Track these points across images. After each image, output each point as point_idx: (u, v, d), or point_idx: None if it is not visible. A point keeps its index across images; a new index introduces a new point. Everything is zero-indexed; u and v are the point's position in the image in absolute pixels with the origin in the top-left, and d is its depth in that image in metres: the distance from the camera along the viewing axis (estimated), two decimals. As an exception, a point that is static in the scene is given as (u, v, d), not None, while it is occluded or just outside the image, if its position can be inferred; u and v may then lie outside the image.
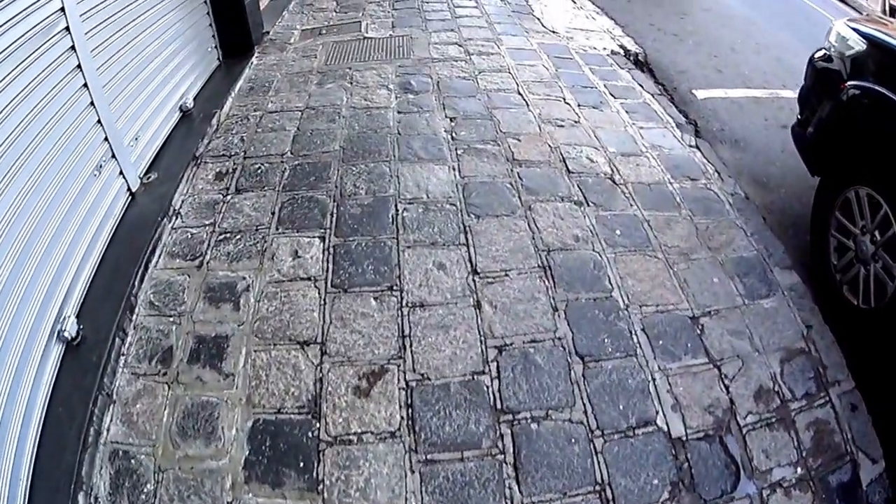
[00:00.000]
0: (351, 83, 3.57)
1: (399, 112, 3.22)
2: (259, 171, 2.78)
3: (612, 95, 3.60)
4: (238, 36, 4.08)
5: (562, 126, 3.17)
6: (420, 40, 4.21)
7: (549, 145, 2.97)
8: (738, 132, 3.53)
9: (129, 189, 2.52)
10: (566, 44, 4.37)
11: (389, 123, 3.10)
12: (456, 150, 2.89)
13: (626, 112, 3.40)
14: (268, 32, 4.50)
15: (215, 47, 3.97)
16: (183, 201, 2.61)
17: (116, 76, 2.52)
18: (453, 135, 3.01)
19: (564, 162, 2.85)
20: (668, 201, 2.62)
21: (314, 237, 2.35)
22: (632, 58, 4.34)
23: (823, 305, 2.18)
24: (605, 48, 4.41)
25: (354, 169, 2.75)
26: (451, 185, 2.62)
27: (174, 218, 2.51)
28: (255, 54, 4.11)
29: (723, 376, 1.86)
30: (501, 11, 5.04)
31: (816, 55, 2.68)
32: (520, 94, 3.46)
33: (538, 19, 4.95)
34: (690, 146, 3.11)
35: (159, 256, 2.30)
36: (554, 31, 4.65)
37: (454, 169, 2.76)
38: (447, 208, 2.48)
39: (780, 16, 6.39)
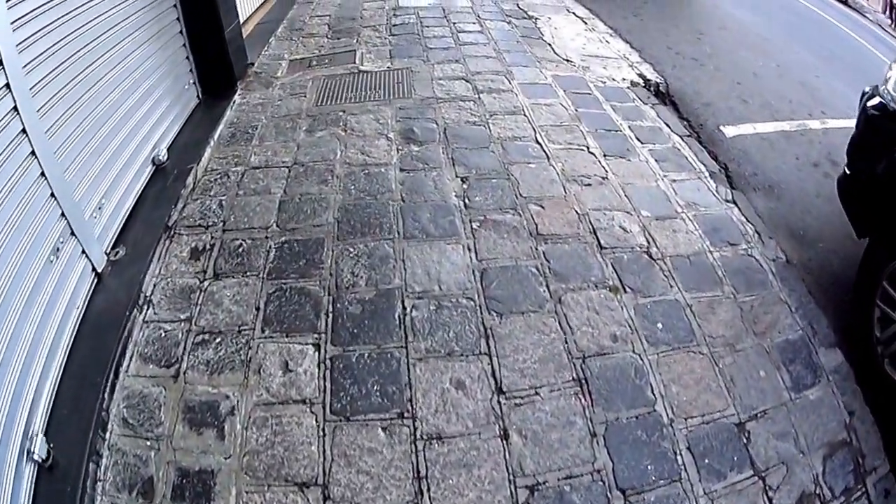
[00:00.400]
0: (345, 130, 3.22)
1: (402, 170, 2.88)
2: (240, 249, 2.42)
3: (638, 140, 3.28)
4: (219, 70, 3.72)
5: (589, 184, 2.84)
6: (422, 74, 3.87)
7: (577, 211, 2.64)
8: (770, 175, 3.26)
9: (94, 269, 2.21)
10: (583, 75, 4.05)
11: (391, 186, 2.76)
12: (470, 221, 2.55)
13: (656, 160, 3.09)
14: (252, 64, 4.14)
15: (194, 83, 3.61)
16: (155, 285, 2.26)
17: (72, 136, 2.16)
18: (466, 200, 2.67)
19: (595, 234, 2.52)
20: (710, 277, 2.35)
21: (307, 344, 2.00)
22: (653, 88, 4.05)
23: (863, 380, 2.08)
24: (624, 79, 4.10)
25: (352, 250, 2.40)
26: (467, 272, 2.27)
27: (145, 308, 2.16)
28: (238, 91, 3.75)
29: (767, 488, 1.72)
30: (509, 36, 4.71)
31: (869, 103, 2.37)
32: (538, 142, 3.14)
33: (549, 45, 4.62)
34: (727, 201, 2.83)
35: (131, 359, 1.97)
36: (568, 60, 4.33)
37: (469, 248, 2.41)
38: (463, 304, 2.14)
39: (793, 30, 6.26)
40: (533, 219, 2.58)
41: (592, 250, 2.44)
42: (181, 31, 3.45)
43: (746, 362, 2.04)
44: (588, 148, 3.14)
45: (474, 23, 4.98)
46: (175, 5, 3.33)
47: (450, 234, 2.48)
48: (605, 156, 3.09)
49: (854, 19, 7.83)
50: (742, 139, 3.62)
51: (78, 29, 2.27)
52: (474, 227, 2.53)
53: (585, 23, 5.38)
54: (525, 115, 3.39)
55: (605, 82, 4.00)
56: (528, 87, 3.76)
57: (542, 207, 2.66)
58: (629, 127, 3.41)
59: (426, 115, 3.34)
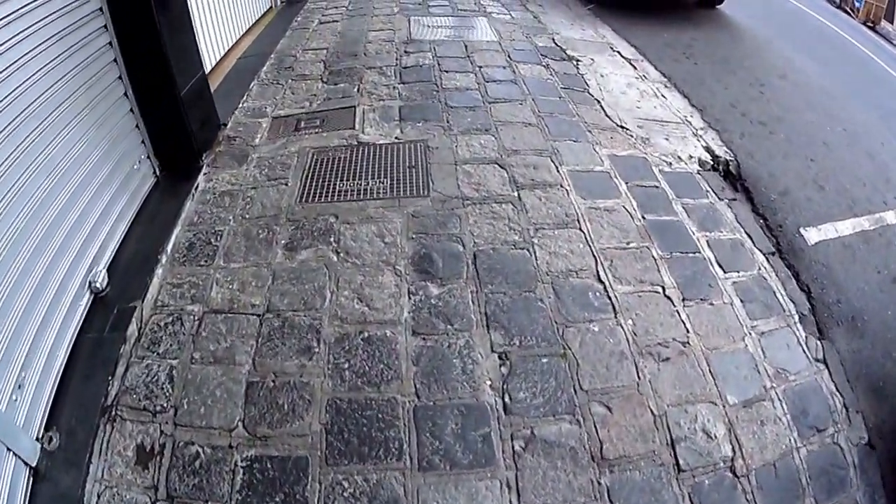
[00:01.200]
0: (337, 252, 2.43)
1: (416, 333, 2.09)
2: (198, 462, 1.72)
3: (720, 266, 2.55)
4: (179, 139, 2.98)
5: (667, 358, 2.08)
6: (442, 153, 3.06)
7: (652, 411, 1.89)
8: (853, 300, 2.68)
9: (26, 465, 1.70)
10: (644, 153, 3.26)
11: (401, 367, 1.98)
12: (512, 438, 1.79)
13: (742, 301, 2.40)
14: (226, 124, 3.37)
15: (147, 157, 2.86)
16: (99, 496, 1.68)
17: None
18: (506, 398, 1.90)
19: (673, 448, 1.82)
20: (794, 490, 1.85)
21: None
22: (722, 168, 3.33)
23: None
24: (691, 156, 3.34)
25: (346, 484, 1.66)
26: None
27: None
28: (204, 169, 2.98)
29: None
30: (549, 88, 3.91)
31: None
32: (601, 280, 2.36)
33: (598, 102, 3.83)
34: (817, 360, 2.26)
35: None
36: (623, 127, 3.54)
37: (510, 486, 1.67)
38: None
39: (850, 80, 5.79)
40: (596, 430, 1.83)
41: (669, 476, 1.75)
42: (126, 94, 2.70)
43: None
44: (664, 288, 2.37)
45: (504, 66, 4.17)
46: (115, 60, 2.59)
47: (483, 460, 1.73)
48: (684, 300, 2.33)
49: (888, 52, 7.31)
50: (824, 247, 2.95)
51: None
52: (517, 448, 1.78)
53: (634, 67, 4.59)
54: (581, 228, 2.61)
55: (671, 164, 3.24)
56: (582, 177, 2.97)
57: (609, 409, 1.90)
58: (708, 243, 2.66)
59: (449, 230, 2.56)
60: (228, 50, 4.44)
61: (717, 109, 4.10)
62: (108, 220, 2.43)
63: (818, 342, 2.35)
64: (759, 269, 2.62)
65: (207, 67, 3.94)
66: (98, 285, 2.23)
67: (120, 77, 2.64)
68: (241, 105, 3.60)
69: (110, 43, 2.55)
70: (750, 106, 4.28)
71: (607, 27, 5.66)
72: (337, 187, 2.78)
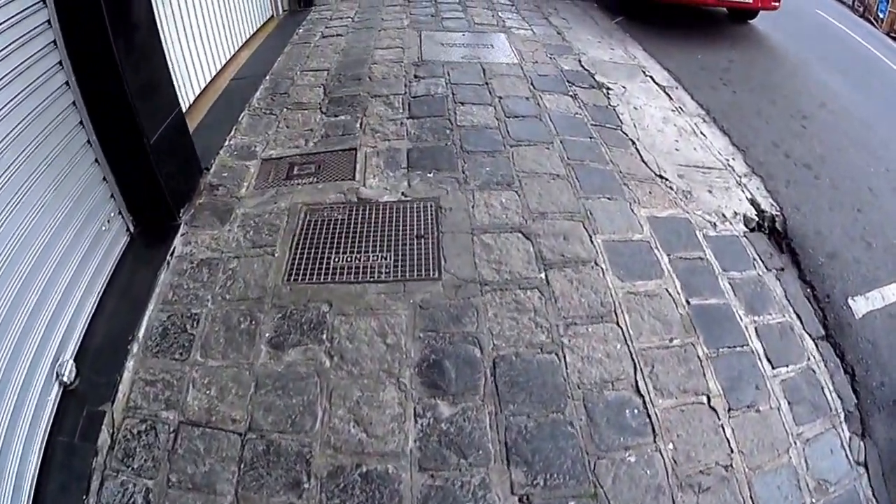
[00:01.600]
0: (331, 354, 2.09)
1: (423, 469, 1.74)
2: None
3: (768, 360, 2.28)
4: (151, 194, 2.64)
5: (707, 489, 1.80)
6: (456, 216, 2.69)
7: None
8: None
9: None
10: (687, 213, 2.90)
11: (403, 525, 1.70)
12: None
13: (789, 402, 2.17)
14: (209, 169, 3.03)
15: (119, 213, 2.55)
16: None
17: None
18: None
19: None
20: None
21: None
22: (767, 224, 3.05)
23: None
24: (736, 213, 3.03)
25: None
26: None
27: None
28: (182, 229, 2.64)
29: None
30: (578, 126, 3.54)
31: None
32: (640, 393, 1.99)
33: (633, 142, 3.46)
34: (858, 463, 2.09)
35: None
36: (662, 177, 3.18)
37: None
38: None
39: (885, 105, 5.47)
40: None
41: None
42: (89, 141, 2.37)
43: None
44: (709, 398, 2.05)
45: (527, 97, 3.80)
46: (74, 103, 2.25)
47: None
48: (729, 410, 2.04)
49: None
50: (871, 320, 2.71)
51: None
52: None
53: (669, 96, 4.21)
54: (618, 322, 2.26)
55: (715, 224, 2.90)
56: (619, 249, 2.60)
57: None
58: (756, 331, 2.37)
59: (463, 327, 2.19)
60: (222, 68, 4.09)
61: (760, 150, 3.78)
62: (75, 294, 2.14)
63: (860, 442, 2.17)
64: (809, 358, 2.39)
65: (197, 91, 3.61)
66: (66, 378, 1.95)
67: (81, 122, 2.30)
68: (227, 142, 3.25)
69: (68, 83, 2.20)
70: (793, 144, 3.97)
71: (637, 45, 5.28)
72: (331, 263, 2.43)
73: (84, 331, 2.16)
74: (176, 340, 2.16)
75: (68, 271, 2.10)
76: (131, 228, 2.62)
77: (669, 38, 5.65)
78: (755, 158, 3.66)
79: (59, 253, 2.06)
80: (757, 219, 3.09)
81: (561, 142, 3.33)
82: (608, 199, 2.93)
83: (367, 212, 2.71)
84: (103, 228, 2.43)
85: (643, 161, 3.33)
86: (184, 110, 3.28)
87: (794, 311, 2.57)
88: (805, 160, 3.80)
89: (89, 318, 2.21)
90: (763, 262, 2.79)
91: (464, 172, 2.98)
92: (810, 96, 4.87)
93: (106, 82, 2.27)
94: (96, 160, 2.40)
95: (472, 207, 2.76)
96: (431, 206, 2.73)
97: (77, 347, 2.09)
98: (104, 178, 2.46)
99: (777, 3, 5.69)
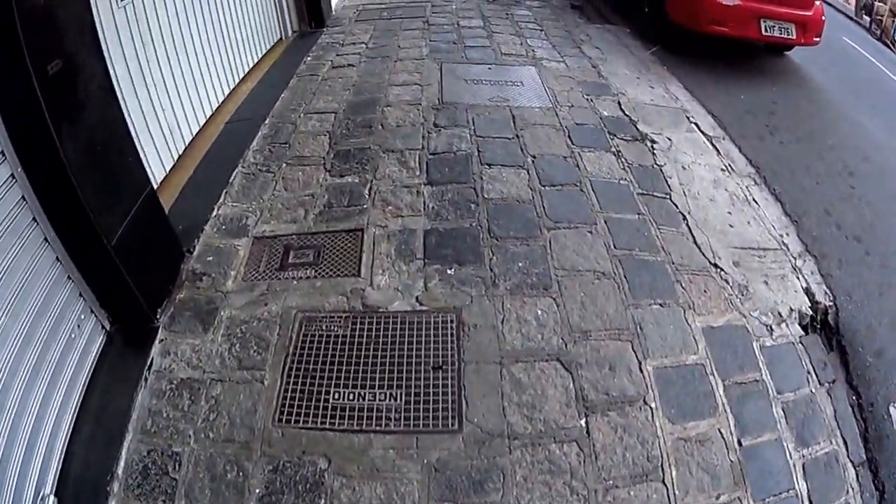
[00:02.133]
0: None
1: None
2: None
3: (810, 502, 1.94)
4: (121, 294, 2.25)
5: None
6: (482, 336, 2.24)
7: None
8: None
9: None
10: (744, 318, 2.49)
11: None
12: None
13: None
14: (191, 252, 2.64)
15: (91, 312, 2.22)
16: None
17: None
18: None
19: None
20: None
21: None
22: (819, 318, 2.71)
23: None
24: (791, 310, 2.65)
25: None
26: None
27: None
28: (160, 334, 2.26)
29: None
30: (623, 196, 3.07)
31: None
32: None
33: (684, 217, 3.01)
34: None
35: None
36: (716, 265, 2.74)
37: None
38: None
39: None
40: None
41: None
42: (46, 239, 2.00)
43: None
44: None
45: (566, 155, 3.32)
46: (24, 197, 1.87)
47: None
48: None
49: None
50: None
51: None
52: None
53: (717, 149, 3.80)
54: (664, 480, 1.81)
55: (772, 329, 2.51)
56: (671, 379, 2.15)
57: None
58: (804, 468, 2.05)
59: (486, 497, 1.75)
60: (218, 107, 3.69)
61: (813, 219, 3.38)
62: (49, 415, 1.89)
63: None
64: (848, 490, 2.07)
65: (182, 147, 3.21)
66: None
67: (35, 219, 1.93)
68: (215, 211, 2.83)
69: (13, 175, 1.85)
70: (843, 211, 3.58)
71: (677, 82, 4.83)
72: (330, 399, 2.00)
73: (62, 458, 1.91)
74: (158, 484, 1.81)
75: (40, 388, 1.87)
76: (107, 326, 2.26)
77: (709, 73, 5.24)
78: (808, 232, 3.26)
79: (27, 369, 1.80)
80: (811, 313, 2.71)
81: (606, 221, 2.88)
82: (660, 305, 2.49)
83: (373, 326, 2.27)
84: (73, 336, 2.09)
85: (696, 244, 2.88)
86: (157, 184, 2.95)
87: (841, 435, 2.23)
88: (855, 231, 3.39)
89: (65, 443, 1.95)
90: (816, 374, 2.42)
91: (492, 269, 2.54)
92: (854, 148, 4.47)
93: (55, 179, 1.91)
94: (57, 259, 2.05)
95: (502, 322, 2.32)
96: (452, 321, 2.28)
97: (56, 479, 1.85)
98: (68, 277, 2.10)
99: (818, 39, 5.53)
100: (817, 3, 5.51)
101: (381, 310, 2.36)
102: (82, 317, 2.14)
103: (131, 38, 2.76)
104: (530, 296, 2.44)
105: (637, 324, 2.38)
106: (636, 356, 2.25)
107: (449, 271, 2.52)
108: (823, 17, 5.58)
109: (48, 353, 1.92)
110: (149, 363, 2.20)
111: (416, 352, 2.20)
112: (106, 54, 2.52)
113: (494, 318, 2.33)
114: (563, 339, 2.28)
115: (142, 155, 2.75)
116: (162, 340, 2.27)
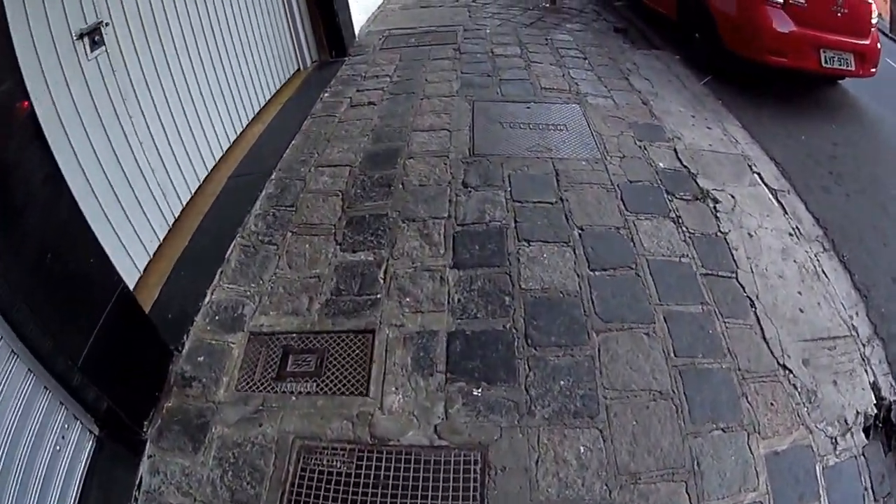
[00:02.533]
0: None
1: None
2: None
3: None
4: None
5: None
6: (511, 483, 1.83)
7: None
8: None
9: None
10: (810, 436, 2.11)
11: None
12: None
13: None
14: (179, 350, 2.33)
15: (76, 418, 1.92)
16: None
17: None
18: None
19: None
20: None
21: None
22: (882, 415, 2.33)
23: None
24: (857, 413, 2.27)
25: None
26: None
27: None
28: (148, 450, 1.99)
29: None
30: (685, 281, 2.60)
31: None
32: None
33: (752, 304, 2.56)
34: None
35: None
36: (785, 367, 2.29)
37: None
38: None
39: None
40: None
41: None
42: (13, 352, 1.70)
43: None
44: None
45: (618, 226, 2.87)
46: None
47: None
48: None
49: None
50: None
51: None
52: None
53: (783, 207, 3.33)
54: None
55: (836, 444, 2.12)
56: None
57: None
58: None
59: None
60: (223, 156, 3.39)
61: (882, 292, 2.90)
62: None
63: None
64: None
65: (173, 217, 2.90)
66: None
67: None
68: (209, 296, 2.50)
69: None
70: None
71: (734, 120, 4.34)
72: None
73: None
74: None
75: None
76: (95, 431, 2.00)
77: (766, 108, 4.75)
78: (877, 308, 2.78)
79: (14, 490, 1.58)
80: (875, 411, 2.30)
81: (665, 318, 2.41)
82: (722, 430, 2.03)
83: (381, 464, 1.89)
84: (58, 448, 1.83)
85: (765, 339, 2.40)
86: (151, 255, 2.69)
87: None
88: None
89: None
90: (873, 490, 2.05)
91: (527, 390, 2.11)
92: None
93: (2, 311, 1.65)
94: (29, 370, 1.78)
95: (536, 464, 1.90)
96: (476, 463, 1.90)
97: None
98: (45, 387, 1.84)
99: (874, 70, 5.26)
100: (873, 29, 5.17)
101: (391, 442, 1.98)
102: (66, 426, 1.88)
103: (107, 93, 2.42)
104: (572, 427, 2.01)
105: (694, 458, 1.95)
106: (689, 500, 1.84)
107: (475, 392, 2.12)
108: (880, 45, 5.23)
109: (33, 469, 1.69)
110: (138, 482, 1.94)
111: (430, 500, 1.84)
112: (76, 119, 2.25)
113: (527, 457, 1.92)
114: (607, 484, 1.86)
115: (122, 234, 2.49)
116: (150, 457, 1.99)
